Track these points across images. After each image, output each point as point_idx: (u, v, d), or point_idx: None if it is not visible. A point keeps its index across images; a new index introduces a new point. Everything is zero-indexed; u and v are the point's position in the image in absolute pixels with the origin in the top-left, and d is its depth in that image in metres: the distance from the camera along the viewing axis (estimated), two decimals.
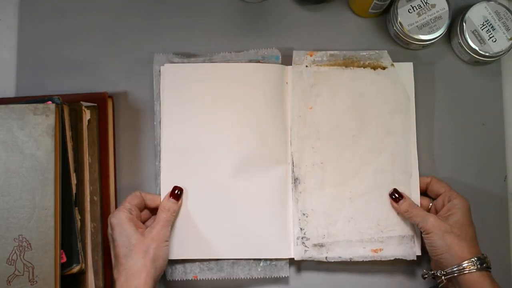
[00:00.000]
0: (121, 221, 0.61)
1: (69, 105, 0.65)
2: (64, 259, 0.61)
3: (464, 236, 0.61)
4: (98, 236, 0.65)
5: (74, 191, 0.64)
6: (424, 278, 0.65)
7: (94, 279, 0.64)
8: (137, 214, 0.63)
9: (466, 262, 0.60)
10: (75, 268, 0.62)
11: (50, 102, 0.63)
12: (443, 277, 0.62)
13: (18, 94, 0.71)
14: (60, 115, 0.63)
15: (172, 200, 0.65)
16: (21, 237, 0.59)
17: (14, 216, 0.60)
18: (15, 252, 0.59)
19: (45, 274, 0.59)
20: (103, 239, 0.66)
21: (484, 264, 0.60)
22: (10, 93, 0.71)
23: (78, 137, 0.65)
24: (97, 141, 0.67)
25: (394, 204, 0.66)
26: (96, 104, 0.68)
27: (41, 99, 0.63)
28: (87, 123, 0.66)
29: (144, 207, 0.66)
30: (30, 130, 0.61)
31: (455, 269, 0.60)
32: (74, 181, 0.64)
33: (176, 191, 0.65)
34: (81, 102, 0.66)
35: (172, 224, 0.65)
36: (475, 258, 0.60)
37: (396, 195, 0.66)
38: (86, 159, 0.66)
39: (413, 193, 0.67)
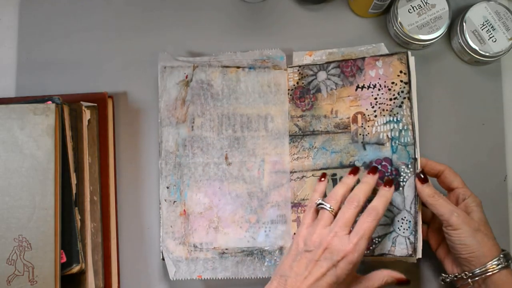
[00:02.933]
0: (354, 269, 0.56)
1: (69, 105, 0.65)
2: (64, 259, 0.61)
3: (490, 234, 0.59)
4: (98, 236, 0.65)
5: (74, 191, 0.64)
6: (445, 282, 0.63)
7: (94, 279, 0.64)
8: None
9: (495, 260, 0.57)
10: (75, 268, 0.62)
11: (50, 102, 0.63)
12: (469, 280, 0.59)
13: (18, 94, 0.71)
14: (60, 115, 0.63)
15: (394, 281, 0.58)
16: (21, 237, 0.59)
17: (14, 216, 0.60)
18: (15, 252, 0.59)
19: (45, 274, 0.59)
20: (103, 239, 0.66)
21: (510, 261, 0.58)
22: (10, 93, 0.71)
23: (78, 137, 0.65)
24: (97, 141, 0.67)
25: (419, 184, 0.61)
26: (96, 104, 0.68)
27: (41, 99, 0.64)
28: (87, 123, 0.66)
29: None
30: (30, 130, 0.61)
31: (484, 269, 0.57)
32: (74, 181, 0.64)
33: (405, 283, 0.58)
34: (81, 102, 0.66)
35: None
36: (502, 255, 0.58)
37: (422, 176, 0.61)
38: (86, 159, 0.66)
39: (412, 191, 0.67)
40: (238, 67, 0.69)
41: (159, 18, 0.72)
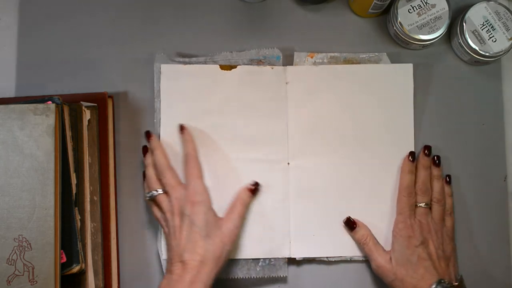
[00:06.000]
0: (208, 204, 0.62)
1: (69, 105, 0.65)
2: (64, 259, 0.61)
3: (409, 272, 0.62)
4: (98, 236, 0.65)
5: (74, 191, 0.64)
6: None
7: (94, 279, 0.64)
8: None
9: None
10: (75, 268, 0.62)
11: (50, 102, 0.63)
12: None
13: (18, 94, 0.71)
14: (60, 115, 0.63)
15: (250, 194, 0.65)
16: (21, 237, 0.59)
17: (14, 216, 0.60)
18: (15, 252, 0.59)
19: (45, 274, 0.59)
20: (103, 239, 0.66)
21: None
22: (10, 93, 0.71)
23: (78, 137, 0.65)
24: (97, 141, 0.67)
25: (349, 232, 0.67)
26: (96, 104, 0.68)
27: (41, 99, 0.63)
28: (87, 123, 0.66)
29: None
30: (30, 130, 0.61)
31: None
32: (74, 181, 0.64)
33: (256, 187, 0.66)
34: (81, 102, 0.66)
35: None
36: None
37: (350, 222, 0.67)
38: (86, 159, 0.66)
39: None
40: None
41: (159, 18, 0.72)
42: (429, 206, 0.65)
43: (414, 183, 0.66)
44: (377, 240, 0.66)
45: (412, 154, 0.67)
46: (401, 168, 0.67)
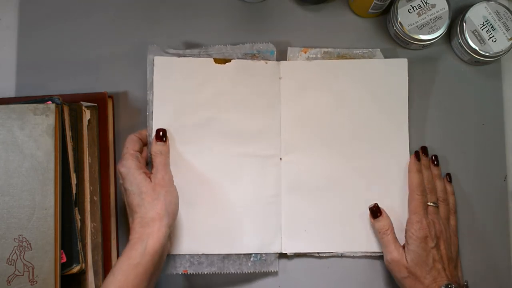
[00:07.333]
0: (131, 170, 0.61)
1: (69, 105, 0.65)
2: (64, 259, 0.61)
3: (423, 273, 0.61)
4: (98, 236, 0.65)
5: (74, 191, 0.64)
6: None
7: (94, 279, 0.64)
8: (142, 160, 0.64)
9: None
10: (75, 268, 0.62)
11: (50, 102, 0.63)
12: None
13: (18, 94, 0.71)
14: (60, 115, 0.63)
15: (159, 143, 0.65)
16: (21, 237, 0.59)
17: (14, 216, 0.60)
18: (15, 252, 0.59)
19: (45, 274, 0.59)
20: (103, 239, 0.66)
21: None
22: (10, 93, 0.71)
23: (78, 137, 0.65)
24: (97, 141, 0.67)
25: (371, 219, 0.67)
26: (96, 104, 0.68)
27: (41, 99, 0.64)
28: (87, 123, 0.66)
29: (142, 148, 0.66)
30: (30, 130, 0.61)
31: None
32: (74, 181, 0.64)
33: (160, 133, 0.65)
34: (81, 102, 0.66)
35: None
36: None
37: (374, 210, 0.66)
38: (86, 159, 0.66)
39: (403, 191, 0.67)
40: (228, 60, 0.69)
41: (159, 18, 0.72)
42: (437, 205, 0.65)
43: (423, 181, 0.66)
44: (396, 236, 0.65)
45: (417, 154, 0.67)
46: (408, 168, 0.67)
